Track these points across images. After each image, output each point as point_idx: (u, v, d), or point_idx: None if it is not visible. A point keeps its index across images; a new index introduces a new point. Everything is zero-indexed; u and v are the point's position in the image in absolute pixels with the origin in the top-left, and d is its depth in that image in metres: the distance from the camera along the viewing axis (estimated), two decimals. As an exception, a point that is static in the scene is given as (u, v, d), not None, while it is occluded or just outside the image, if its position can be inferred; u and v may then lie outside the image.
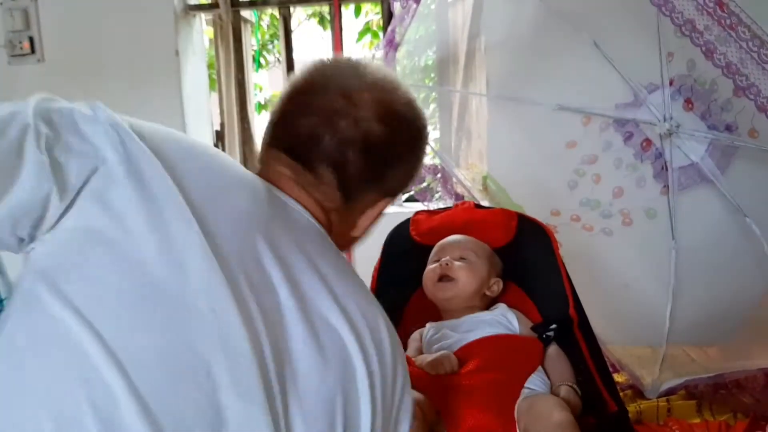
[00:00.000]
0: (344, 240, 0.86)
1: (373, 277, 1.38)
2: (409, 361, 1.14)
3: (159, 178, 0.63)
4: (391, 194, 0.85)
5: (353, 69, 0.81)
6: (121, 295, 0.60)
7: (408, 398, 0.73)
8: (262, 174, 0.80)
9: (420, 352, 1.22)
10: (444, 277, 1.26)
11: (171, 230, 0.62)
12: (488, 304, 1.29)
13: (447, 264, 1.26)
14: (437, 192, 1.98)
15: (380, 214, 0.86)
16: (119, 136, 0.64)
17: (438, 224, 1.42)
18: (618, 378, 1.65)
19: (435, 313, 1.31)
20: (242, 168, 0.77)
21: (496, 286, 1.29)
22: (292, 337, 0.64)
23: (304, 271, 0.69)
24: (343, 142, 0.76)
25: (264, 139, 0.83)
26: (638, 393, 1.61)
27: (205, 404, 0.58)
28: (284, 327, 0.64)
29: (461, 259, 1.27)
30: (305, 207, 0.77)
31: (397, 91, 0.81)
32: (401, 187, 0.87)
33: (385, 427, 0.68)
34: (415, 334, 1.28)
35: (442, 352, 1.14)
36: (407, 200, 2.41)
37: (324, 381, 0.64)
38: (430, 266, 1.29)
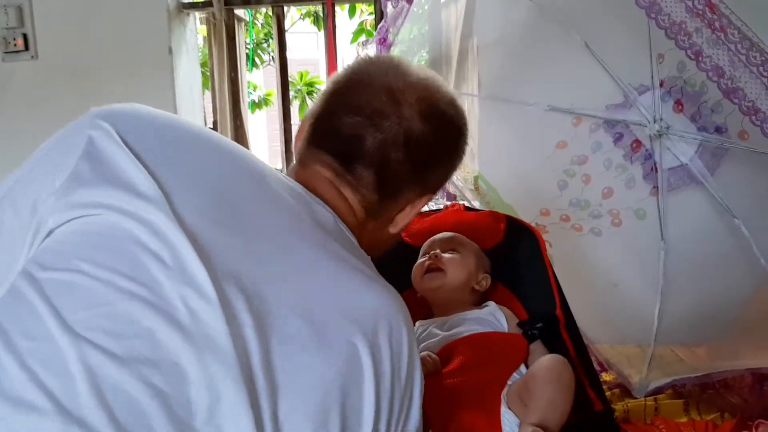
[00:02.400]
0: (381, 237, 0.86)
1: (362, 276, 1.38)
2: None
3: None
4: (432, 191, 0.86)
5: (396, 67, 0.81)
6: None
7: (416, 407, 0.70)
8: (299, 173, 0.79)
9: None
10: (432, 269, 1.26)
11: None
12: (478, 299, 1.30)
13: (436, 256, 1.26)
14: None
15: (420, 210, 0.86)
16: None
17: (428, 226, 1.42)
18: (606, 377, 1.66)
19: (424, 313, 1.31)
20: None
21: (485, 281, 1.29)
22: (284, 323, 0.61)
23: (304, 266, 0.66)
24: (385, 143, 0.76)
25: (305, 137, 0.82)
26: (626, 392, 1.61)
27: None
28: (271, 313, 0.61)
29: (451, 251, 1.28)
30: (334, 209, 0.75)
31: (440, 89, 0.81)
32: (442, 183, 0.88)
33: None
34: None
35: (422, 353, 1.14)
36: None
37: (321, 373, 0.61)
38: (419, 260, 1.30)
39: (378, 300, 0.68)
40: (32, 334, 0.54)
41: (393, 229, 0.86)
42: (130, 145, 0.64)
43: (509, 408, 1.01)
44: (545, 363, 1.02)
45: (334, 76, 0.83)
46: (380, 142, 0.76)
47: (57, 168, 0.64)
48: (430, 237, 1.35)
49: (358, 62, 0.83)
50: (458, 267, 1.25)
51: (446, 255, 1.26)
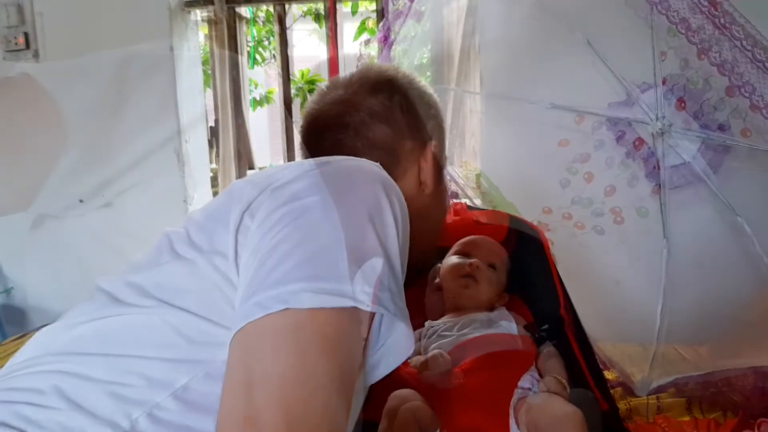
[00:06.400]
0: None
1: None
2: (405, 362, 1.14)
3: None
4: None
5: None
6: None
7: None
8: None
9: (419, 352, 1.22)
10: (467, 275, 1.25)
11: None
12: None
13: (478, 267, 1.25)
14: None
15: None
16: None
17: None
18: (608, 375, 1.66)
19: (431, 309, 1.31)
20: None
21: (503, 300, 1.29)
22: None
23: None
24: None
25: None
26: (628, 390, 1.61)
27: None
28: None
29: (490, 266, 1.27)
30: None
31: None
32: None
33: None
34: (414, 334, 1.27)
35: (434, 351, 1.14)
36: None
37: None
38: (458, 260, 1.28)
39: None
40: None
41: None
42: None
43: (516, 422, 1.01)
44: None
45: None
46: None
47: None
48: None
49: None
50: (490, 286, 1.25)
51: (486, 270, 1.26)
